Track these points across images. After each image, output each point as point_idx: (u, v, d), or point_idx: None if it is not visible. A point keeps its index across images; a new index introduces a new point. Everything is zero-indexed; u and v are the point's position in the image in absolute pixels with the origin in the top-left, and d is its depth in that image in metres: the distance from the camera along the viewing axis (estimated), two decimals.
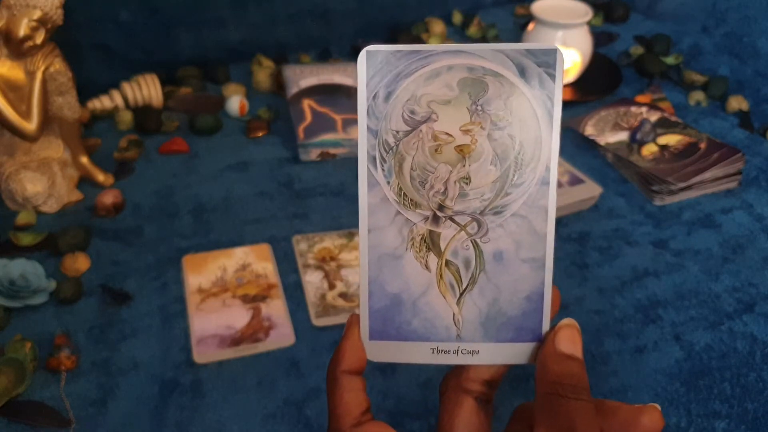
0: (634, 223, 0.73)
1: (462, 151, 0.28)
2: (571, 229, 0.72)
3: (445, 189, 0.28)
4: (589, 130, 0.84)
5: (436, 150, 0.28)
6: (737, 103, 0.90)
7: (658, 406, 0.29)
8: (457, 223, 0.28)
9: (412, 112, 0.28)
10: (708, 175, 0.75)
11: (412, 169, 0.28)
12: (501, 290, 0.29)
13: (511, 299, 0.29)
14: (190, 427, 0.52)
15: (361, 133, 0.28)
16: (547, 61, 0.27)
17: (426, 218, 0.28)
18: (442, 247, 0.28)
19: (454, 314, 0.29)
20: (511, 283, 0.29)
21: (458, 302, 0.29)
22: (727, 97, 0.91)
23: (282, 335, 0.59)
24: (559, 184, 0.74)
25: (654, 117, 0.84)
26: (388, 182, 0.28)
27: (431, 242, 0.28)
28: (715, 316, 0.62)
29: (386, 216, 0.28)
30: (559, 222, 0.72)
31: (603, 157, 0.82)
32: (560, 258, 0.68)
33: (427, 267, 0.29)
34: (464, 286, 0.29)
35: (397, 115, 0.28)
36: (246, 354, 0.58)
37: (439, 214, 0.28)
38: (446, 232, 0.28)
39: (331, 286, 0.64)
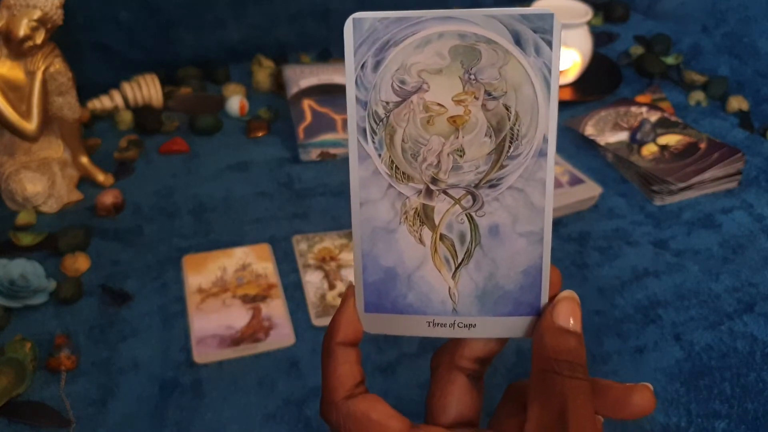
0: (634, 223, 0.73)
1: (455, 122, 0.26)
2: (571, 229, 0.72)
3: (438, 161, 0.27)
4: (589, 130, 0.84)
5: (428, 121, 0.27)
6: (737, 103, 0.90)
7: (650, 386, 0.28)
8: (451, 197, 0.27)
9: (402, 81, 0.26)
10: (708, 175, 0.75)
11: (403, 141, 0.27)
12: (498, 264, 0.28)
13: (508, 273, 0.28)
14: (190, 427, 0.52)
15: (349, 104, 0.27)
16: (543, 26, 0.26)
17: (419, 192, 0.27)
18: (436, 221, 0.28)
19: (449, 288, 0.28)
20: (508, 257, 0.28)
21: (454, 276, 0.28)
22: (727, 97, 0.91)
23: (282, 335, 0.59)
24: (559, 184, 0.74)
25: (654, 117, 0.84)
26: (379, 155, 0.27)
27: (425, 216, 0.28)
28: (715, 316, 0.62)
29: (378, 189, 0.28)
30: (559, 222, 0.72)
31: (603, 157, 0.82)
32: (560, 258, 0.68)
33: (421, 241, 0.28)
34: (459, 261, 0.28)
35: (386, 85, 0.27)
36: (246, 354, 0.58)
37: (432, 187, 0.27)
38: (440, 205, 0.27)
39: (331, 286, 0.64)
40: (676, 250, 0.69)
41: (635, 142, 0.81)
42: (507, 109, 0.26)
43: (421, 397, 0.55)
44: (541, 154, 0.27)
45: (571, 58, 0.91)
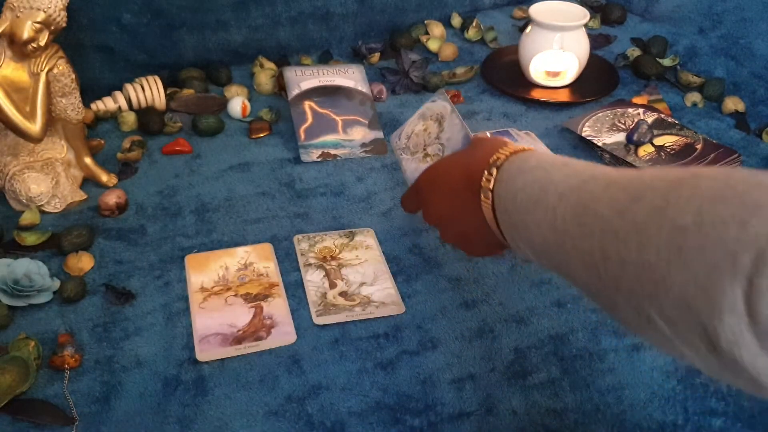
0: None
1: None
2: None
3: (425, 145, 0.64)
4: (587, 131, 0.85)
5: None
6: (733, 104, 0.91)
7: None
8: (429, 154, 0.63)
9: (408, 136, 0.66)
10: None
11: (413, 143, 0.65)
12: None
13: None
14: (192, 424, 0.53)
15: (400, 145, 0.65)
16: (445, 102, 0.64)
17: (419, 151, 0.62)
18: (428, 152, 0.62)
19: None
20: None
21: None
22: (723, 98, 0.92)
23: (283, 333, 0.60)
24: None
25: (651, 118, 0.85)
26: (408, 153, 0.64)
27: (425, 154, 0.63)
28: None
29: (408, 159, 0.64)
30: None
31: (600, 158, 0.83)
32: None
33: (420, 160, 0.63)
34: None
35: (405, 136, 0.65)
36: (248, 352, 0.58)
37: (421, 153, 0.63)
38: (429, 149, 0.62)
39: (332, 285, 0.65)
40: None
41: (632, 143, 0.81)
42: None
43: (421, 393, 0.56)
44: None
45: (568, 61, 0.92)
